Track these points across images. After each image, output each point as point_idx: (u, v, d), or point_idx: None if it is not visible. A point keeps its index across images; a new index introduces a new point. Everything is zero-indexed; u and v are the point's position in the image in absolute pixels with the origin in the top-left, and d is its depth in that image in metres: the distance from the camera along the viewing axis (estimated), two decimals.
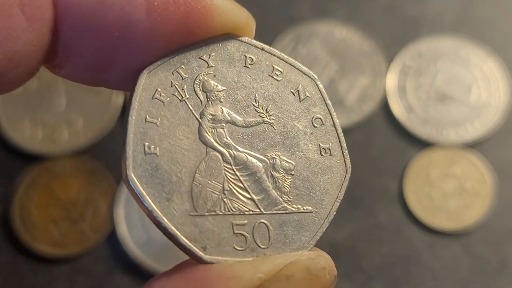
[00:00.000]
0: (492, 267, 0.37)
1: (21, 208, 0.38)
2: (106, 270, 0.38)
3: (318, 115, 0.23)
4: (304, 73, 0.23)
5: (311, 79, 0.23)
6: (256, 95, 0.23)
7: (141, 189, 0.20)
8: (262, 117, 0.22)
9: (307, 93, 0.23)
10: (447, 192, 0.38)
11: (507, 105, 0.40)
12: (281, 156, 0.22)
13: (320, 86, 0.23)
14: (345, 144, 0.22)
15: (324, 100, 0.23)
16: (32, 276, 0.38)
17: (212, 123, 0.22)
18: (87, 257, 0.38)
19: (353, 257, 0.37)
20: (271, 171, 0.22)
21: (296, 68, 0.23)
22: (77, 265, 0.38)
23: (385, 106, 0.40)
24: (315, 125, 0.23)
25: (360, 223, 0.38)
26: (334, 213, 0.22)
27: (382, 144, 0.40)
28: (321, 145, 0.23)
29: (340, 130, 0.22)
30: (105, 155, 0.40)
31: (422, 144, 0.39)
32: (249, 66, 0.23)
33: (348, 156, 0.22)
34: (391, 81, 0.41)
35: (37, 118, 0.40)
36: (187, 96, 0.22)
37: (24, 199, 0.38)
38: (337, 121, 0.23)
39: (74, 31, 0.18)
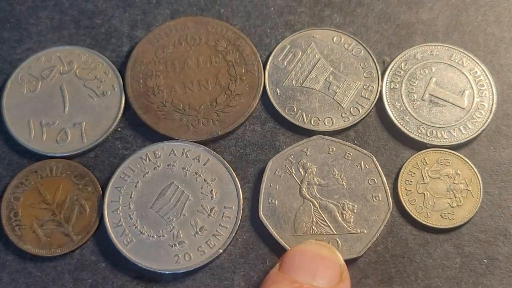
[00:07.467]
0: (483, 265, 0.38)
1: (8, 208, 0.39)
2: (106, 268, 0.38)
3: (373, 178, 0.38)
4: (365, 154, 0.39)
5: (369, 157, 0.39)
6: (334, 169, 0.39)
7: (267, 222, 0.38)
8: (338, 181, 0.38)
9: (366, 166, 0.39)
10: (440, 192, 0.39)
11: (498, 107, 0.41)
12: (348, 202, 0.38)
13: (375, 160, 0.39)
14: (388, 191, 0.38)
15: (377, 168, 0.38)
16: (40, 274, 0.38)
17: (307, 186, 0.38)
18: (89, 256, 0.38)
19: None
20: (341, 210, 0.38)
21: (359, 151, 0.39)
22: (77, 264, 0.38)
23: (380, 109, 0.41)
24: (370, 183, 0.38)
25: None
26: (379, 233, 0.37)
27: (378, 145, 0.40)
28: (373, 194, 0.38)
29: (386, 184, 0.38)
30: (107, 155, 0.41)
31: (416, 145, 0.40)
32: (330, 153, 0.39)
33: (391, 199, 0.38)
34: (386, 84, 0.41)
35: (41, 120, 0.41)
36: (294, 172, 0.39)
37: (11, 199, 0.39)
38: (384, 179, 0.38)
39: None
